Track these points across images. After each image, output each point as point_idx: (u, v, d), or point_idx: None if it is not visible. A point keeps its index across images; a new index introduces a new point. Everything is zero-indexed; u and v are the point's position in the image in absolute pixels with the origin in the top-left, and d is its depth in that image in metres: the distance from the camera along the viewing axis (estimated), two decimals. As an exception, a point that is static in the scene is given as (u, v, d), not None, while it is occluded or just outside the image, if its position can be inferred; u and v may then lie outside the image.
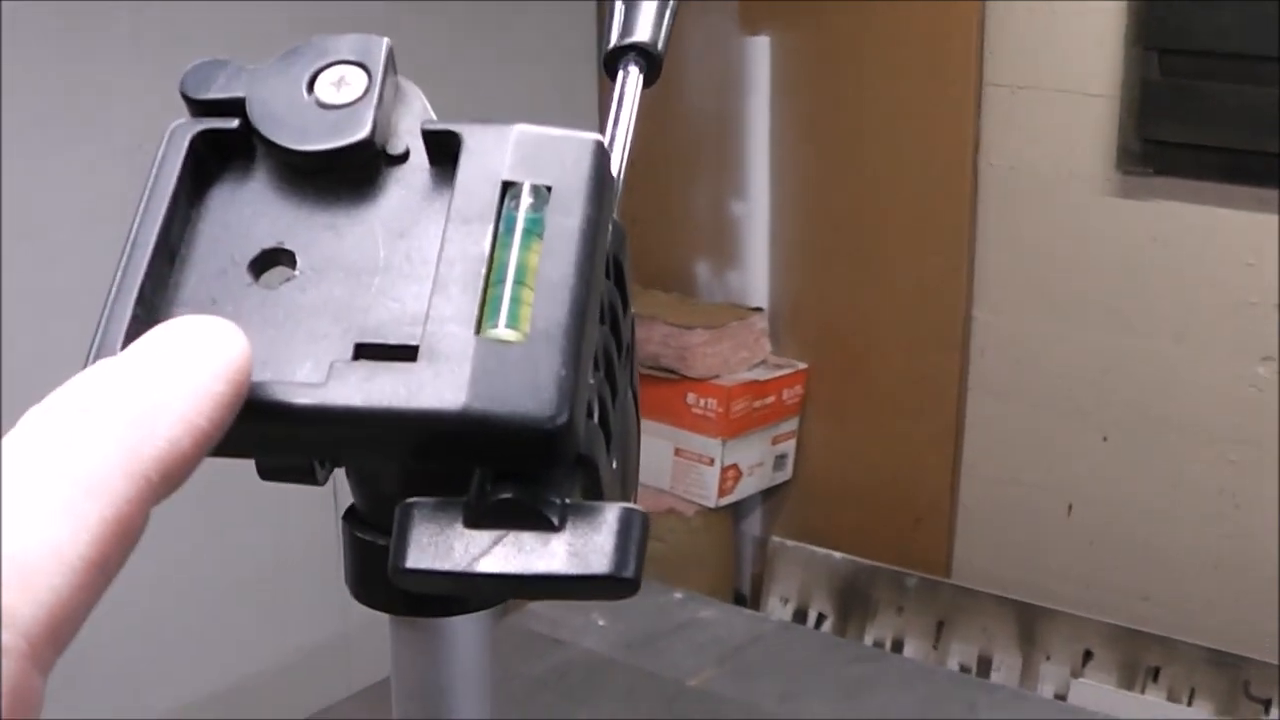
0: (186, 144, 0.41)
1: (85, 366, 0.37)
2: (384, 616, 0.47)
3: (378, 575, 0.43)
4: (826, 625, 2.92)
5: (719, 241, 3.06)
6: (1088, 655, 2.66)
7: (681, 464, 2.93)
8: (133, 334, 0.37)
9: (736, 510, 3.06)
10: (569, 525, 0.36)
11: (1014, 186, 2.69)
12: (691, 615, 1.97)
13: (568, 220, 0.39)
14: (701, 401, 2.89)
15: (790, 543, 3.01)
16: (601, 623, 1.89)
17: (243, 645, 2.54)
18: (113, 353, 0.36)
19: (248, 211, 0.41)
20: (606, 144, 0.42)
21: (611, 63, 0.55)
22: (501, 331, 0.37)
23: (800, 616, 2.95)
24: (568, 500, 0.36)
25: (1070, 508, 2.73)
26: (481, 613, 0.48)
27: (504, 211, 0.39)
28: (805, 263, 2.99)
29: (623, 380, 0.45)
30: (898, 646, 2.83)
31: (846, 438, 2.98)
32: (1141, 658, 2.61)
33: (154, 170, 0.40)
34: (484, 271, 0.38)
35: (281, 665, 2.60)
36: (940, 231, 2.77)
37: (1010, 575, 2.80)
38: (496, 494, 0.36)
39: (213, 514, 2.45)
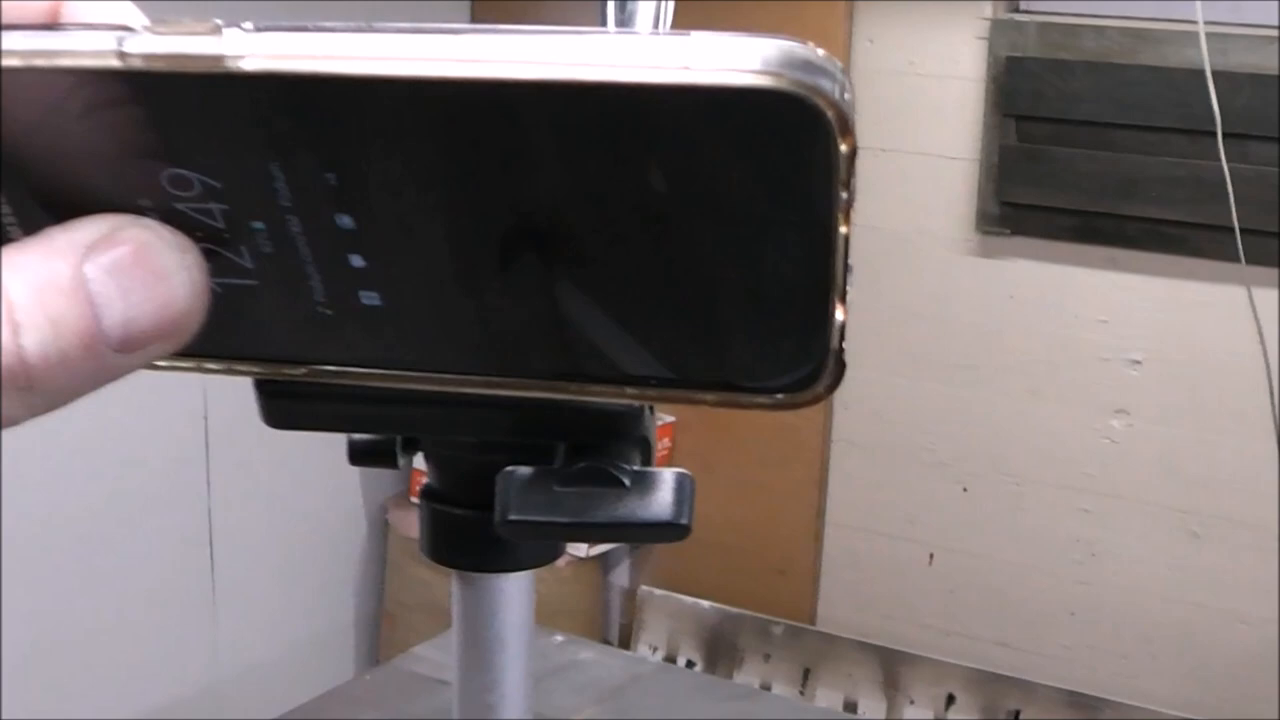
0: None
1: None
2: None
3: (450, 539, 0.58)
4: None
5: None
6: (950, 699, 2.74)
7: (551, 515, 2.96)
8: None
9: (605, 560, 3.10)
10: (636, 485, 0.46)
11: (876, 246, 2.77)
12: (571, 657, 2.01)
13: None
14: (571, 453, 2.93)
15: (658, 592, 3.06)
16: (484, 668, 1.92)
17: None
18: None
19: None
20: None
21: None
22: None
23: (669, 664, 2.99)
24: (634, 467, 0.46)
25: (931, 557, 2.81)
26: (527, 571, 0.61)
27: None
28: (672, 318, 3.04)
29: None
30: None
31: (713, 489, 3.03)
32: (1001, 701, 2.69)
33: None
34: None
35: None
36: (805, 288, 2.84)
37: (873, 622, 2.87)
38: (579, 461, 0.46)
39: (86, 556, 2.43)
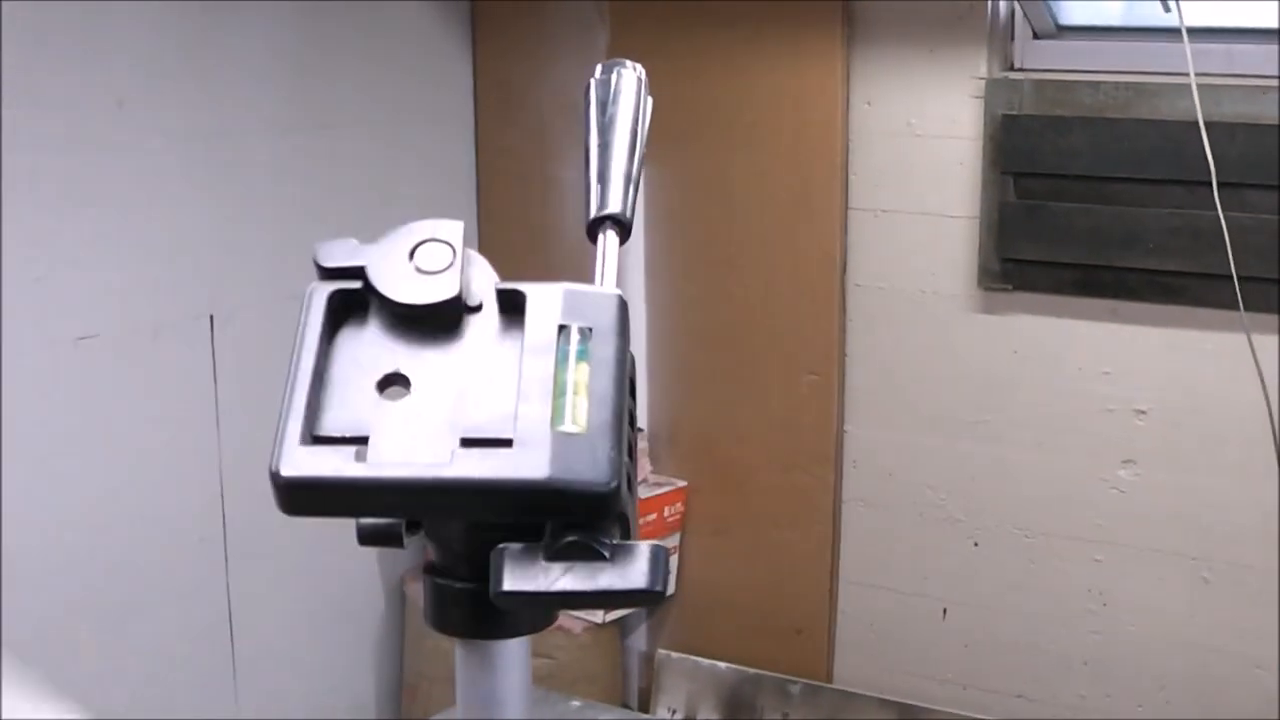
0: (325, 301, 0.59)
1: (271, 464, 0.53)
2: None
3: (452, 609, 0.64)
4: (714, 735, 2.98)
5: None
6: (969, 753, 2.74)
7: (567, 581, 2.97)
8: (303, 438, 0.54)
9: (623, 626, 3.12)
10: (615, 558, 0.52)
11: (880, 305, 2.80)
12: (592, 721, 2.03)
13: (604, 351, 0.58)
14: (585, 520, 2.94)
15: (676, 655, 3.07)
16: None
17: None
18: (293, 454, 0.54)
19: (370, 349, 0.59)
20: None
21: (592, 229, 0.71)
22: (569, 426, 0.55)
23: (689, 726, 3.00)
24: (614, 541, 0.53)
25: (945, 611, 2.83)
26: (524, 637, 0.66)
27: (560, 345, 0.58)
28: (682, 384, 3.07)
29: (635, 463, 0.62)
30: (784, 753, 2.89)
31: (727, 552, 3.05)
32: (1020, 753, 2.70)
33: (303, 320, 0.58)
34: (552, 386, 0.56)
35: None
36: (811, 350, 2.87)
37: (890, 679, 2.88)
38: (565, 537, 0.52)
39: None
